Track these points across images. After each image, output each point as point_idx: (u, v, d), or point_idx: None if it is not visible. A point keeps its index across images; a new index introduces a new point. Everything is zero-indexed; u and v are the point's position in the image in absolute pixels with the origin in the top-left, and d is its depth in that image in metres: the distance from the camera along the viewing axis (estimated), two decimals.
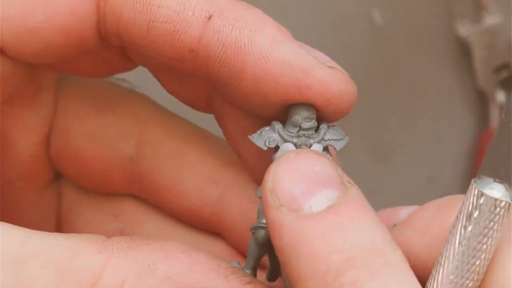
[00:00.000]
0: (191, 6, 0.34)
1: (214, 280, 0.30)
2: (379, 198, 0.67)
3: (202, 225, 0.40)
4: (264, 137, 0.33)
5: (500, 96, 0.70)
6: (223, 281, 0.30)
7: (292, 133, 0.33)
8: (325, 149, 0.34)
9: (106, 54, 0.38)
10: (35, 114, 0.40)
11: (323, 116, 0.34)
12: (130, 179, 0.40)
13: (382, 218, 0.32)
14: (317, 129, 0.34)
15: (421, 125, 0.69)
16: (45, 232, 0.32)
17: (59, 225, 0.42)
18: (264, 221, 0.33)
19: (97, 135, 0.40)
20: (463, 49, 0.69)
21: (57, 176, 0.42)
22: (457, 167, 0.70)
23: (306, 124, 0.33)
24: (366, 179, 0.67)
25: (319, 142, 0.34)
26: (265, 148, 0.34)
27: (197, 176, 0.39)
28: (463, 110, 0.69)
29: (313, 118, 0.34)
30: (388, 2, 0.67)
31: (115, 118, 0.40)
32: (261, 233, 0.33)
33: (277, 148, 0.34)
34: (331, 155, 0.34)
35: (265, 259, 0.35)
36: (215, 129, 0.40)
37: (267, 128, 0.34)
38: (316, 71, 0.33)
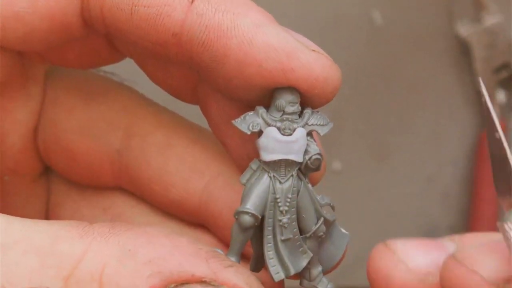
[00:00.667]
0: None
1: (195, 263, 0.30)
2: (379, 198, 0.67)
3: (189, 217, 0.40)
4: (247, 122, 0.33)
5: (500, 96, 0.70)
6: (204, 264, 0.31)
7: (276, 117, 0.33)
8: (309, 134, 0.34)
9: (92, 43, 0.38)
10: (24, 106, 0.39)
11: (307, 101, 0.34)
12: (118, 171, 0.40)
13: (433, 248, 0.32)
14: (301, 114, 0.34)
15: (421, 125, 0.69)
16: (27, 218, 0.32)
17: (48, 219, 0.42)
18: (248, 206, 0.33)
19: (85, 128, 0.40)
20: (463, 49, 0.69)
21: (46, 169, 0.42)
22: (457, 167, 0.70)
23: (290, 109, 0.33)
24: (366, 179, 0.67)
25: (302, 126, 0.33)
26: (249, 133, 0.33)
27: (183, 168, 0.39)
28: (463, 110, 0.69)
29: (297, 103, 0.33)
30: (388, 2, 0.67)
31: (104, 111, 0.40)
32: (245, 218, 0.33)
33: (260, 132, 0.33)
34: (315, 140, 0.34)
35: (248, 250, 0.35)
36: (202, 123, 0.40)
37: (250, 113, 0.34)
38: (301, 55, 0.33)
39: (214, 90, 0.36)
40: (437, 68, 0.69)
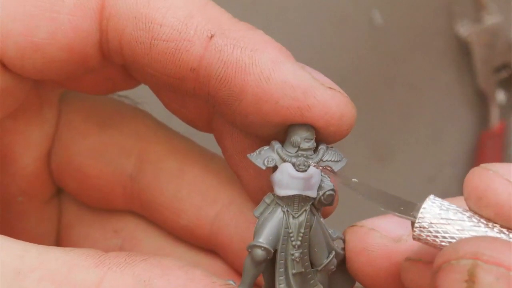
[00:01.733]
0: (193, 25, 0.34)
1: None
2: None
3: (200, 243, 0.40)
4: (263, 157, 0.34)
5: (500, 96, 0.70)
6: None
7: (291, 153, 0.34)
8: (327, 172, 0.34)
9: (109, 72, 0.38)
10: (38, 129, 0.40)
11: (322, 137, 0.34)
12: (130, 196, 0.41)
13: None
14: (315, 150, 0.34)
15: (421, 125, 0.69)
16: (43, 245, 0.32)
17: (59, 240, 0.42)
18: (261, 239, 0.33)
19: (98, 152, 0.40)
20: (463, 49, 0.69)
21: (58, 191, 0.42)
22: (457, 167, 0.70)
23: (305, 145, 0.34)
24: (366, 179, 0.67)
25: (317, 162, 0.34)
26: (264, 168, 0.34)
27: (195, 195, 0.39)
28: (463, 110, 0.69)
29: (312, 139, 0.34)
30: (388, 2, 0.67)
31: (117, 135, 0.40)
32: (258, 252, 0.33)
33: (275, 167, 0.34)
34: (328, 176, 0.34)
35: (260, 279, 0.35)
36: (215, 148, 0.40)
37: (266, 147, 0.34)
38: (317, 92, 0.33)
39: (228, 124, 0.37)
40: (437, 68, 0.69)
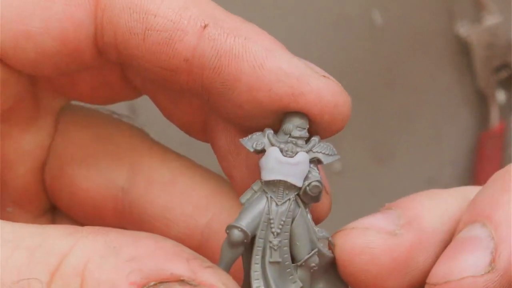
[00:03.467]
0: (186, 15, 0.34)
1: (175, 262, 0.31)
2: (379, 198, 0.67)
3: None
4: (253, 141, 0.34)
5: (500, 96, 0.70)
6: (184, 264, 0.31)
7: (282, 140, 0.34)
8: (313, 162, 0.34)
9: (105, 75, 0.38)
10: (33, 138, 0.40)
11: (318, 129, 0.34)
12: (121, 210, 0.41)
13: None
14: (308, 141, 0.34)
15: (421, 126, 0.69)
16: (19, 223, 0.32)
17: None
18: (243, 222, 0.33)
19: (91, 164, 0.40)
20: (463, 49, 0.69)
21: (52, 207, 0.42)
22: (457, 167, 0.70)
23: (297, 133, 0.33)
24: (366, 179, 0.67)
25: (306, 152, 0.34)
26: (252, 150, 0.33)
27: (186, 204, 0.39)
28: (463, 110, 0.70)
29: (305, 128, 0.34)
30: (388, 2, 0.67)
31: (111, 147, 0.40)
32: (234, 232, 0.33)
33: (264, 152, 0.33)
34: (318, 169, 0.34)
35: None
36: (209, 159, 0.40)
37: (258, 133, 0.34)
38: (311, 79, 0.34)
39: (222, 122, 0.37)
40: (437, 68, 0.69)
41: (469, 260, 0.33)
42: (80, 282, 0.30)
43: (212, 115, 0.37)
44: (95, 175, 0.40)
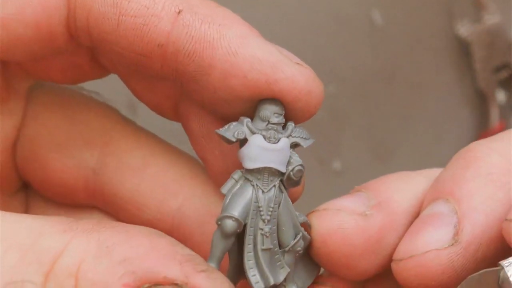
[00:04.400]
0: (161, 1, 0.34)
1: (168, 265, 0.31)
2: None
3: None
4: (232, 130, 0.34)
5: (500, 96, 0.70)
6: (177, 267, 0.31)
7: (261, 127, 0.34)
8: (292, 146, 0.34)
9: (76, 58, 0.38)
10: (3, 121, 0.39)
11: (291, 115, 0.35)
12: (92, 190, 0.41)
13: None
14: (284, 127, 0.34)
15: (421, 125, 0.69)
16: (13, 213, 0.32)
17: None
18: (235, 212, 0.33)
19: (63, 145, 0.40)
20: (463, 49, 0.69)
21: (24, 185, 0.42)
22: None
23: (275, 119, 0.34)
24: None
25: (287, 137, 0.34)
26: (234, 140, 0.34)
27: (157, 189, 0.39)
28: (463, 110, 0.70)
29: (281, 114, 0.34)
30: (388, 2, 0.67)
31: (82, 129, 0.40)
32: (228, 223, 0.33)
33: (244, 141, 0.34)
34: (296, 153, 0.34)
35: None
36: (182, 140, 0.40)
37: (234, 123, 0.34)
38: (285, 67, 0.34)
39: (196, 106, 0.37)
40: (437, 68, 0.69)
41: (432, 235, 0.33)
42: (74, 283, 0.30)
43: (185, 98, 0.37)
44: (66, 157, 0.40)
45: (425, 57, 0.68)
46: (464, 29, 0.69)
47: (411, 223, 0.35)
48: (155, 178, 0.40)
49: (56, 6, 0.35)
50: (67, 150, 0.40)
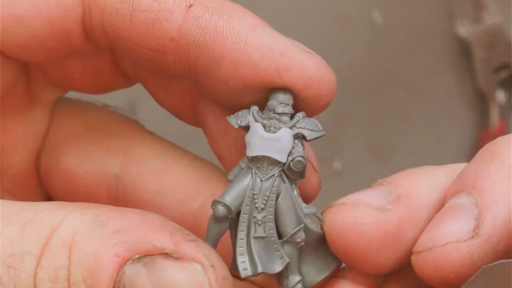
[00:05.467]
0: None
1: (159, 236, 0.32)
2: None
3: None
4: (238, 118, 0.34)
5: (500, 96, 0.70)
6: (167, 237, 0.32)
7: (266, 116, 0.34)
8: (298, 138, 0.34)
9: (96, 62, 0.39)
10: (27, 129, 0.40)
11: (303, 105, 0.35)
12: (115, 197, 0.41)
13: None
14: (293, 117, 0.34)
15: (421, 125, 0.69)
16: (12, 201, 0.33)
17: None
18: (226, 198, 0.33)
19: (85, 153, 0.41)
20: (463, 49, 0.69)
21: (47, 198, 0.42)
22: None
23: (280, 109, 0.34)
24: (366, 179, 0.67)
25: (290, 127, 0.34)
26: (236, 126, 0.34)
27: (177, 190, 0.40)
28: (463, 110, 0.70)
29: (289, 104, 0.34)
30: (388, 2, 0.67)
31: (104, 137, 0.41)
32: (218, 208, 0.33)
33: (248, 128, 0.34)
34: (302, 145, 0.34)
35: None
36: (209, 154, 0.41)
37: (244, 110, 0.34)
38: (294, 54, 0.34)
39: (211, 104, 0.37)
40: (437, 68, 0.69)
41: (453, 227, 0.33)
42: (68, 254, 0.31)
43: (201, 98, 0.38)
44: (89, 163, 0.41)
45: (425, 57, 0.68)
46: (464, 29, 0.69)
47: (432, 217, 0.35)
48: (176, 180, 0.40)
49: (71, 3, 0.36)
50: (90, 158, 0.41)
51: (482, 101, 0.70)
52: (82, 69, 0.39)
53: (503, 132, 0.70)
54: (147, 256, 0.31)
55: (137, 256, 0.31)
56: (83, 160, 0.41)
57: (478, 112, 0.70)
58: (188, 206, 0.40)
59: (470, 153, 0.70)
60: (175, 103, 0.39)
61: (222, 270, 0.32)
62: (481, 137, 0.70)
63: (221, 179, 0.39)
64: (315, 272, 0.35)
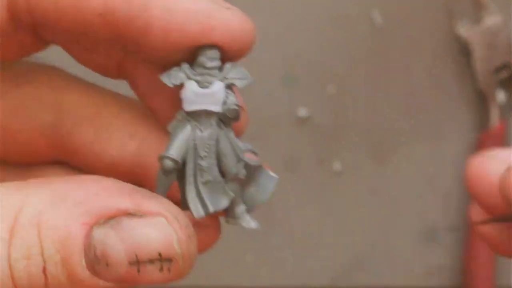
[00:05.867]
0: None
1: (119, 199, 0.34)
2: (379, 198, 0.67)
3: (126, 178, 0.42)
4: (171, 76, 0.37)
5: (500, 96, 0.70)
6: (127, 199, 0.34)
7: (197, 72, 0.37)
8: (229, 87, 0.37)
9: (18, 36, 0.40)
10: None
11: (229, 56, 0.37)
12: (53, 145, 0.43)
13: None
14: (221, 68, 0.37)
15: (421, 125, 0.69)
16: None
17: None
18: (170, 151, 0.36)
19: (17, 109, 0.42)
20: (463, 49, 0.69)
21: None
22: (457, 167, 0.70)
23: (209, 64, 0.37)
24: (366, 179, 0.67)
25: (221, 80, 0.37)
26: (171, 85, 0.37)
27: (114, 133, 0.42)
28: (463, 110, 0.69)
29: (216, 58, 0.37)
30: (388, 2, 0.67)
31: (33, 91, 0.42)
32: (166, 162, 0.36)
33: (182, 85, 0.37)
34: (234, 92, 0.37)
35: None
36: None
37: (176, 68, 0.37)
38: (217, 14, 0.36)
39: (140, 63, 0.39)
40: (437, 68, 0.69)
41: None
42: (37, 232, 0.33)
43: (130, 57, 0.39)
44: (23, 118, 0.42)
45: (425, 57, 0.68)
46: (464, 29, 0.69)
47: None
48: (111, 124, 0.42)
49: None
50: (22, 112, 0.42)
51: (482, 101, 0.70)
52: (4, 43, 0.40)
53: (503, 132, 0.69)
54: (112, 219, 0.34)
55: (102, 221, 0.33)
56: (16, 116, 0.42)
57: (478, 112, 0.70)
58: (126, 147, 0.41)
59: (470, 153, 0.70)
60: (100, 63, 0.40)
61: (184, 219, 0.35)
62: (481, 137, 0.69)
63: (156, 119, 0.41)
64: (257, 195, 0.39)
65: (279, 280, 0.64)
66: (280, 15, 0.66)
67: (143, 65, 0.39)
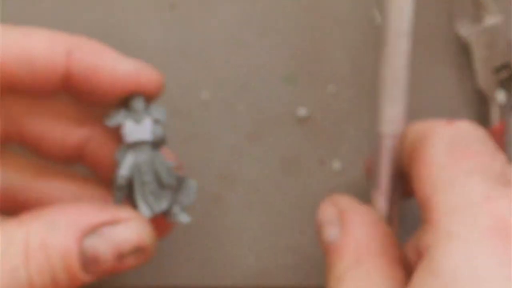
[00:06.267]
0: (55, 48, 0.48)
1: (97, 213, 0.47)
2: None
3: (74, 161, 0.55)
4: (112, 119, 0.51)
5: (500, 96, 0.70)
6: (104, 213, 0.48)
7: (131, 113, 0.51)
8: (157, 121, 0.51)
9: None
10: None
11: (148, 97, 0.51)
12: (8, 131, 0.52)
13: None
14: (146, 107, 0.51)
15: None
16: None
17: None
18: (123, 172, 0.51)
19: None
20: (463, 49, 0.69)
21: None
22: None
23: (139, 106, 0.51)
24: (366, 179, 0.67)
25: (148, 116, 0.51)
26: (112, 126, 0.51)
27: (61, 123, 0.52)
28: (463, 110, 0.69)
29: (142, 101, 0.51)
30: None
31: None
32: (121, 180, 0.51)
33: (121, 125, 0.51)
34: (159, 123, 0.51)
35: None
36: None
37: (114, 111, 0.52)
38: (141, 72, 0.50)
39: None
40: (437, 68, 0.69)
41: None
42: (45, 255, 0.44)
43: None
44: None
45: (425, 57, 0.68)
46: (464, 29, 0.69)
47: None
48: (59, 115, 0.53)
49: None
50: None
51: (482, 101, 0.70)
52: None
53: (503, 132, 0.69)
54: (96, 230, 0.46)
55: (89, 233, 0.46)
56: None
57: (478, 112, 0.70)
58: (71, 135, 0.53)
59: None
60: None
61: (145, 219, 0.49)
62: None
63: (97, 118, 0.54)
64: (185, 200, 0.52)
65: (280, 280, 0.64)
66: (279, 14, 0.66)
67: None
